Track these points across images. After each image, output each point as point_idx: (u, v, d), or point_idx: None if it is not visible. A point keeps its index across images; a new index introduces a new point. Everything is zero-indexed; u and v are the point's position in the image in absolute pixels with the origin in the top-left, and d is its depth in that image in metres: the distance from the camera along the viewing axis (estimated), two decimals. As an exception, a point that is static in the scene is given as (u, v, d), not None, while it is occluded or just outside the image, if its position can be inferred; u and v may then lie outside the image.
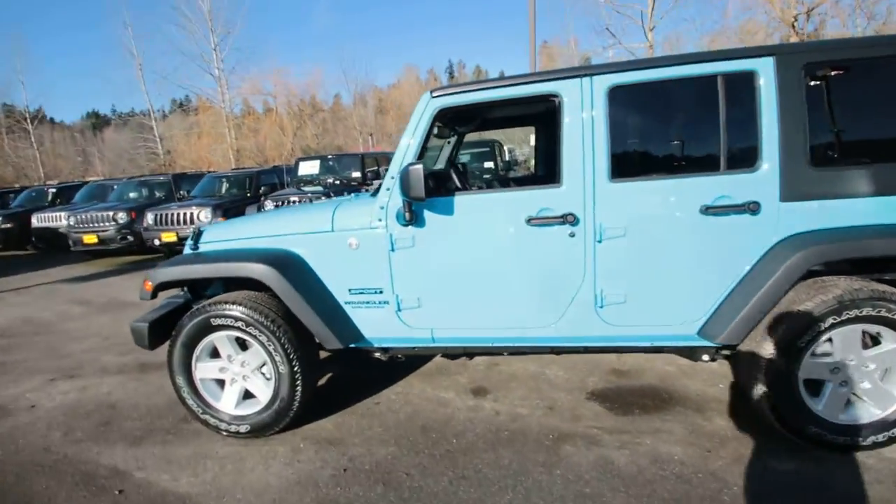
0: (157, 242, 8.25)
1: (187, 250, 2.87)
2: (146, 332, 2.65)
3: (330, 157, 10.48)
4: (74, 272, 8.37)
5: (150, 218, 8.37)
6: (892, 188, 2.05)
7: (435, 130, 2.54)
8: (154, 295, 2.73)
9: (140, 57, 28.55)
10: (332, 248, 2.56)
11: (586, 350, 2.48)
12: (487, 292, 2.44)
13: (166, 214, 8.28)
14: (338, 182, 9.03)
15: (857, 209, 2.07)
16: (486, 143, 10.16)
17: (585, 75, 2.26)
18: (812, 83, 2.09)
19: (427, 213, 2.42)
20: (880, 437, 2.13)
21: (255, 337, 2.49)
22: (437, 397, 2.98)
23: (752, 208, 2.12)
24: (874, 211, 2.07)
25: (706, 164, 2.22)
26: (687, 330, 2.30)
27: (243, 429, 2.60)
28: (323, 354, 2.86)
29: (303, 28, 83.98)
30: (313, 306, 2.47)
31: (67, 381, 3.66)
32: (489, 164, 10.00)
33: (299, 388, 2.52)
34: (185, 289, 2.94)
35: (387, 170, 2.50)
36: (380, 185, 2.57)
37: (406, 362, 3.39)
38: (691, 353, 2.38)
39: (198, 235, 2.86)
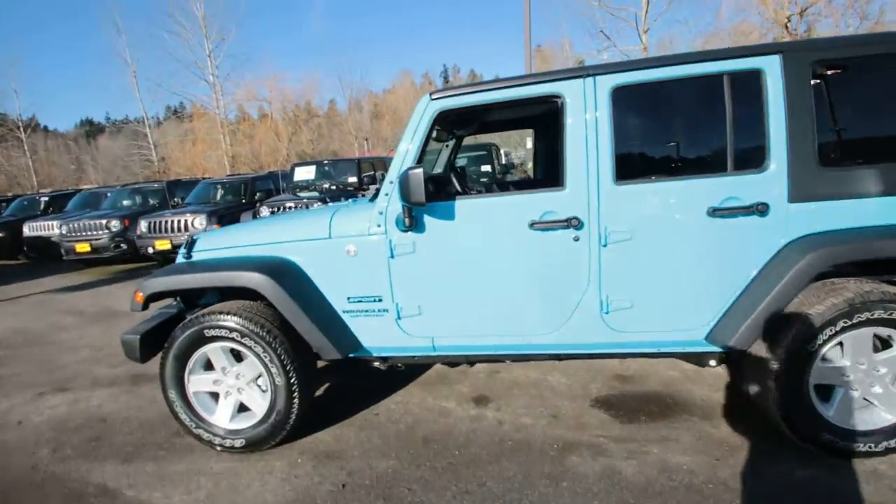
0: (150, 250, 8.16)
1: (180, 259, 2.80)
2: (137, 345, 2.57)
3: (326, 162, 10.40)
4: (67, 281, 8.26)
5: (143, 226, 8.29)
6: None
7: (434, 134, 2.49)
8: (146, 306, 2.65)
9: (134, 64, 28.69)
10: (329, 256, 2.50)
11: (591, 356, 2.43)
12: (490, 298, 2.38)
13: (160, 222, 8.21)
14: (334, 187, 8.97)
15: (868, 209, 2.04)
16: (483, 146, 10.15)
17: (588, 75, 2.21)
18: (820, 81, 2.05)
19: (427, 219, 2.36)
20: (893, 443, 2.08)
21: (250, 348, 2.42)
22: (438, 407, 2.92)
23: (761, 209, 2.08)
24: (885, 211, 2.03)
25: (713, 165, 2.18)
26: (694, 335, 2.25)
27: (238, 443, 2.52)
28: (320, 364, 2.79)
29: (298, 34, 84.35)
30: (310, 316, 2.40)
31: (58, 394, 3.57)
32: (486, 168, 9.98)
33: (296, 400, 2.45)
34: (178, 299, 2.86)
35: (383, 174, 2.44)
36: (378, 190, 2.51)
37: (405, 371, 3.33)
38: (699, 358, 2.33)
39: (191, 244, 2.79)
